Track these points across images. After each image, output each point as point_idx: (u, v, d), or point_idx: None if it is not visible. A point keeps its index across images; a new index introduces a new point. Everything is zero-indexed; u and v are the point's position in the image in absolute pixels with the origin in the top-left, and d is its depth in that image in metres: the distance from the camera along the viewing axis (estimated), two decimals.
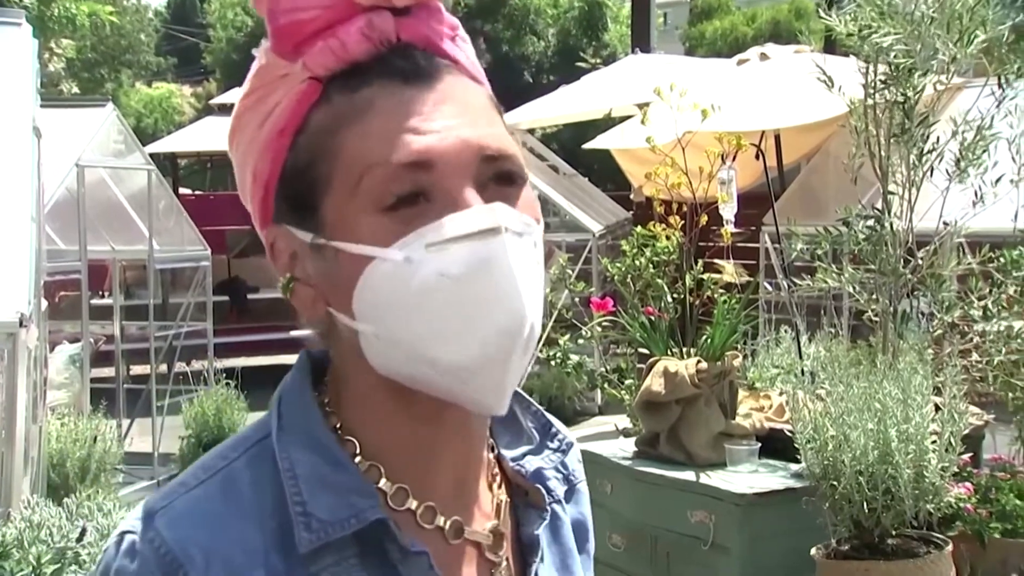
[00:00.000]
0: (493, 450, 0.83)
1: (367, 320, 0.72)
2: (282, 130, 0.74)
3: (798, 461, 2.83)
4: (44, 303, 4.71)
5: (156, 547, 0.71)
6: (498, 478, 0.83)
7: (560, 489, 0.86)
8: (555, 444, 0.86)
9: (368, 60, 0.73)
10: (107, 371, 7.52)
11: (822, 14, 3.38)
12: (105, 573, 0.73)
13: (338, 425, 0.77)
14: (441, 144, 0.70)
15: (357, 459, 0.75)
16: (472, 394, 0.72)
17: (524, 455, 0.84)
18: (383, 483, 0.75)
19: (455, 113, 0.72)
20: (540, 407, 0.88)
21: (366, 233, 0.70)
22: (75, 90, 18.50)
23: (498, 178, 0.73)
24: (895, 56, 3.12)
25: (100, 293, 9.45)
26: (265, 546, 0.72)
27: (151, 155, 8.55)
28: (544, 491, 0.83)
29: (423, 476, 0.77)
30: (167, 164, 12.50)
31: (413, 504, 0.76)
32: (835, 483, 2.62)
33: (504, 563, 0.79)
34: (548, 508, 0.83)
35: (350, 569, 0.73)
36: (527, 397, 0.86)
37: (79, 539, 3.13)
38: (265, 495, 0.73)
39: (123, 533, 0.73)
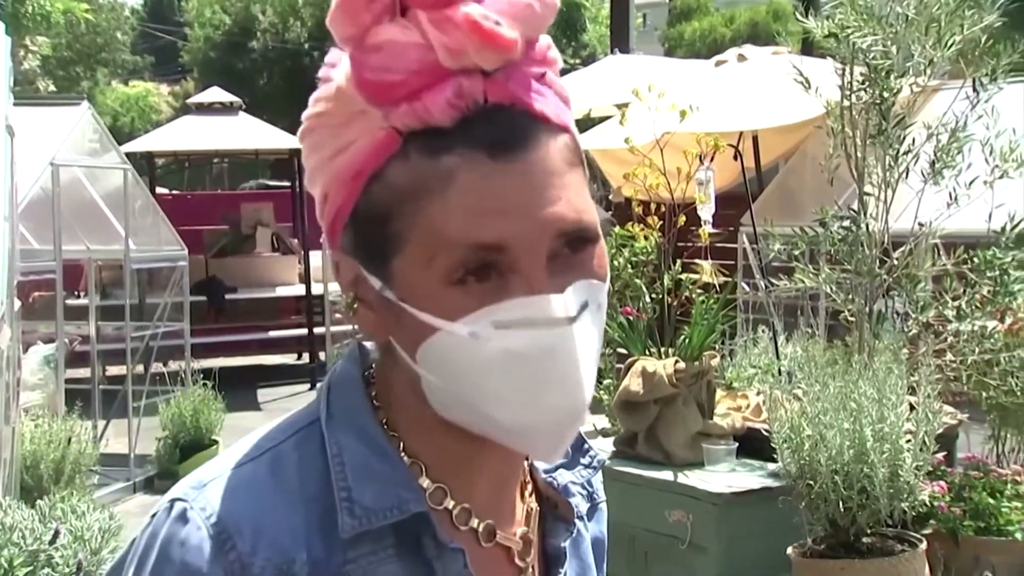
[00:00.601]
0: (527, 459, 0.85)
1: (430, 372, 0.73)
2: (358, 173, 0.73)
3: (775, 460, 2.84)
4: (18, 303, 4.66)
5: (207, 516, 0.72)
6: (529, 487, 0.85)
7: (583, 506, 0.88)
8: (587, 460, 0.88)
9: (452, 124, 0.71)
10: (83, 372, 7.45)
11: (800, 17, 3.40)
12: (154, 536, 0.73)
13: (384, 420, 0.78)
14: (518, 225, 0.70)
15: (403, 455, 0.77)
16: (527, 449, 0.76)
17: (557, 468, 0.86)
18: (423, 480, 0.77)
19: (536, 188, 0.71)
20: None
21: (435, 305, 0.71)
22: (51, 88, 18.33)
23: (572, 244, 0.73)
24: (873, 57, 3.15)
25: (75, 293, 9.37)
26: (308, 529, 0.73)
27: (128, 154, 8.47)
28: (573, 505, 0.85)
29: (463, 480, 0.79)
30: (144, 163, 12.39)
31: (450, 504, 0.78)
32: (811, 482, 2.63)
33: (530, 569, 0.82)
34: (575, 521, 0.85)
35: (387, 559, 0.74)
36: None
37: (52, 541, 3.10)
38: (310, 479, 0.75)
39: (173, 500, 0.74)
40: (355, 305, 0.77)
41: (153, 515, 0.75)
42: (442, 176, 0.71)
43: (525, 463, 0.84)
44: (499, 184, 0.70)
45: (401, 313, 0.73)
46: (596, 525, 0.92)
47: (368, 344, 0.81)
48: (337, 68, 0.74)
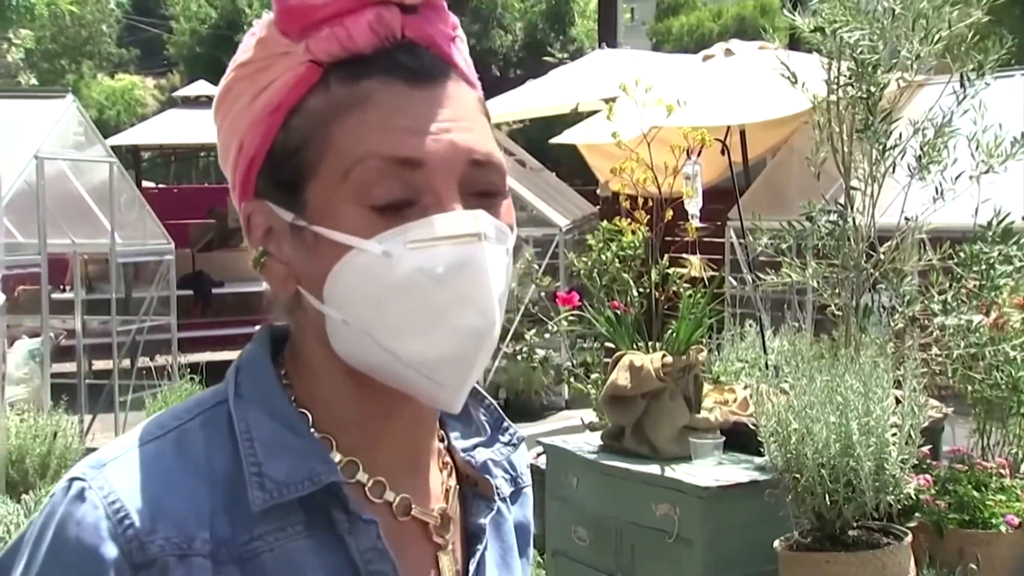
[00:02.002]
0: (443, 440, 0.85)
1: (337, 306, 0.73)
2: (276, 108, 0.75)
3: (761, 454, 2.85)
4: (2, 297, 4.63)
5: (105, 495, 0.71)
6: (449, 466, 0.84)
7: (506, 488, 0.88)
8: (506, 438, 0.88)
9: (371, 53, 0.74)
10: (68, 366, 7.41)
11: (787, 12, 3.40)
12: (50, 516, 0.72)
13: (293, 397, 0.78)
14: (433, 145, 0.72)
15: (311, 431, 0.77)
16: (432, 389, 0.74)
17: (475, 447, 0.86)
18: (334, 455, 0.77)
19: (450, 117, 0.74)
20: (494, 401, 0.89)
21: (348, 223, 0.72)
22: (34, 81, 18.20)
23: (482, 192, 0.75)
24: (859, 52, 3.15)
25: (61, 287, 9.31)
26: (213, 507, 0.72)
27: (113, 147, 8.43)
28: (492, 483, 0.84)
29: (373, 451, 0.78)
30: (130, 157, 12.33)
31: (364, 477, 0.77)
32: (798, 476, 2.65)
33: (450, 547, 0.81)
34: (495, 499, 0.84)
35: (295, 536, 0.74)
36: (481, 391, 0.87)
37: None
38: (217, 457, 0.74)
39: (72, 479, 0.73)
40: (263, 260, 0.77)
41: (52, 495, 0.74)
42: (360, 97, 0.73)
43: (441, 444, 0.84)
44: (416, 106, 0.73)
45: (313, 242, 0.73)
46: (520, 509, 0.91)
47: (276, 326, 0.81)
48: (256, 27, 0.77)
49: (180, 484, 0.72)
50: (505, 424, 0.88)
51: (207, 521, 0.71)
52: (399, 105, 0.73)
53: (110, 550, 0.69)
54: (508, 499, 0.89)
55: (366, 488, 0.77)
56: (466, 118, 0.75)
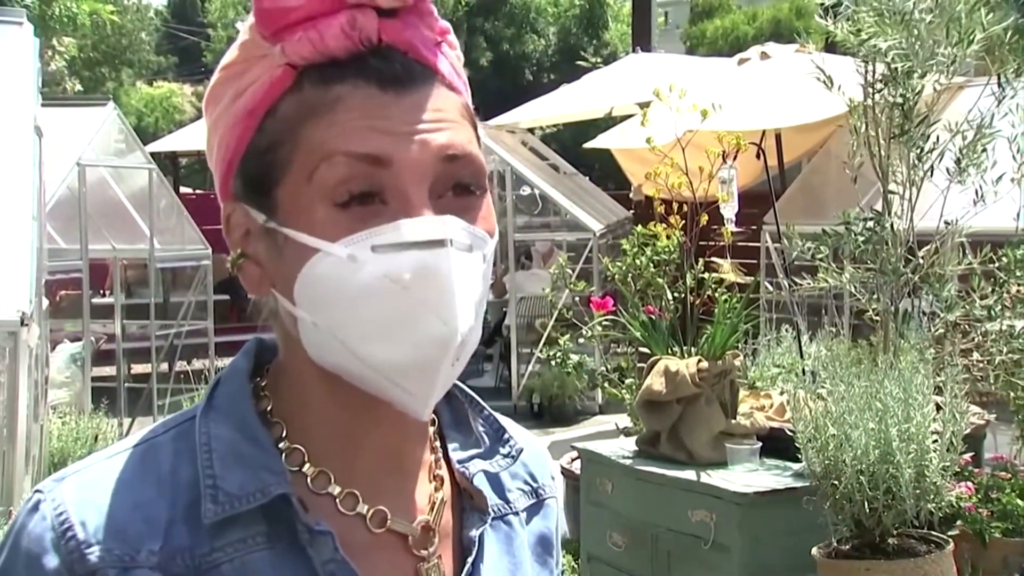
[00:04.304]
0: (436, 452, 0.84)
1: (306, 309, 0.73)
2: (252, 110, 0.75)
3: (799, 460, 2.83)
4: (45, 302, 4.71)
5: (55, 507, 0.73)
6: (443, 479, 0.83)
7: (522, 501, 0.86)
8: (506, 450, 0.86)
9: (346, 57, 0.72)
10: (108, 370, 7.53)
11: (819, 19, 3.38)
12: (11, 527, 0.75)
13: (269, 408, 0.78)
14: (403, 144, 0.71)
15: (283, 443, 0.77)
16: (399, 395, 0.73)
17: (471, 458, 0.84)
18: (306, 467, 0.76)
19: (425, 120, 0.72)
20: (495, 413, 0.88)
21: (316, 225, 0.71)
22: (77, 88, 18.51)
23: (456, 187, 0.73)
24: (892, 59, 3.12)
25: (101, 292, 9.46)
26: (171, 518, 0.72)
27: (152, 154, 8.55)
28: (486, 494, 0.83)
29: (346, 462, 0.77)
30: (168, 163, 12.51)
31: (335, 490, 0.77)
32: (836, 482, 2.62)
33: (435, 561, 0.79)
34: (490, 511, 0.83)
35: (255, 547, 0.73)
36: (481, 402, 0.87)
37: None
38: (182, 469, 0.74)
39: (35, 492, 0.75)
40: (239, 262, 0.77)
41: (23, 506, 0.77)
42: (331, 101, 0.72)
43: (432, 456, 0.83)
44: (389, 109, 0.72)
45: (283, 243, 0.73)
46: (542, 521, 0.89)
47: (267, 339, 0.81)
48: (243, 25, 0.77)
49: (134, 496, 0.73)
50: (506, 435, 0.86)
51: (160, 532, 0.72)
52: (370, 108, 0.71)
53: (51, 560, 0.71)
54: (525, 512, 0.87)
55: (337, 500, 0.76)
56: (444, 120, 0.73)
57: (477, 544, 0.81)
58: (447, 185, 0.73)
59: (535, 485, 0.88)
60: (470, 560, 0.80)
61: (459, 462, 0.83)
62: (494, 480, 0.84)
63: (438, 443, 0.84)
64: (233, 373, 0.79)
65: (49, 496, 0.73)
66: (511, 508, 0.85)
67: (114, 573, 0.70)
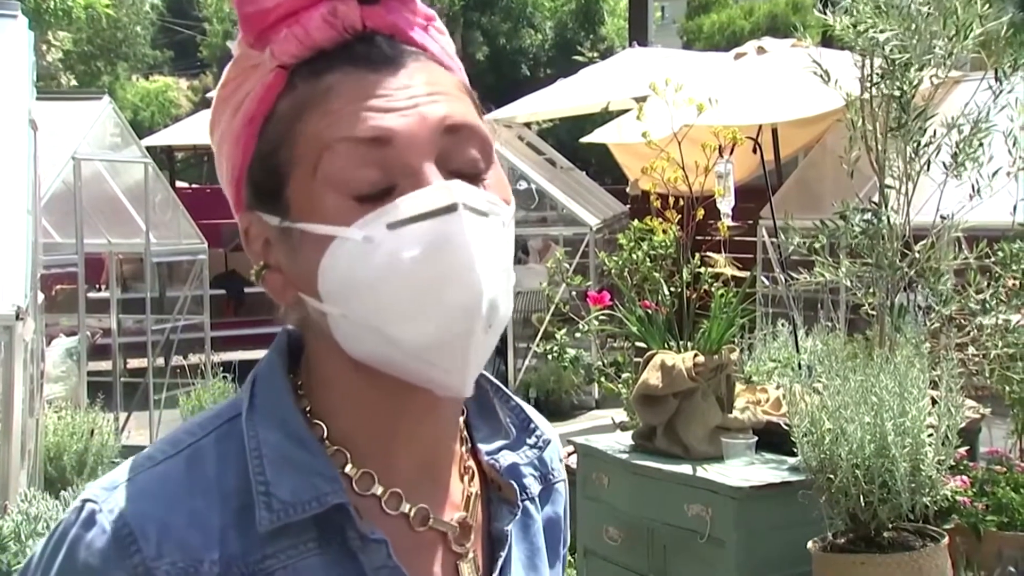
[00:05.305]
0: (466, 443, 0.83)
1: (333, 302, 0.72)
2: (251, 119, 0.75)
3: (795, 454, 2.83)
4: (41, 296, 4.70)
5: (114, 519, 0.71)
6: (472, 471, 0.83)
7: (535, 487, 0.86)
8: (533, 440, 0.86)
9: (332, 48, 0.73)
10: (104, 364, 7.52)
11: (818, 11, 3.37)
12: (62, 537, 0.72)
13: (308, 408, 0.77)
14: (401, 119, 0.70)
15: (324, 443, 0.76)
16: (437, 375, 0.72)
17: (500, 449, 0.84)
18: (349, 468, 0.76)
19: (419, 92, 0.72)
20: (521, 402, 0.87)
21: (328, 213, 0.71)
22: (72, 82, 18.46)
23: (462, 169, 0.72)
24: (891, 51, 3.12)
25: (97, 286, 9.44)
26: (224, 525, 0.71)
27: (148, 148, 8.53)
28: (517, 487, 0.82)
29: (388, 461, 0.77)
30: (164, 157, 12.49)
31: (379, 490, 0.76)
32: (831, 476, 2.62)
33: (471, 555, 0.79)
34: (519, 504, 0.82)
35: (307, 553, 0.73)
36: (507, 391, 0.86)
37: None
38: (229, 474, 0.73)
39: (84, 501, 0.73)
40: (262, 273, 0.76)
41: (66, 514, 0.74)
42: (323, 91, 0.72)
43: (463, 447, 0.82)
44: (381, 87, 0.71)
45: (299, 241, 0.72)
46: (551, 507, 0.89)
47: (294, 333, 0.80)
48: (233, 45, 0.77)
49: (189, 505, 0.72)
50: (532, 425, 0.86)
51: (216, 541, 0.71)
52: (362, 90, 0.71)
53: (116, 575, 0.70)
54: (537, 498, 0.87)
55: (382, 501, 0.76)
56: (439, 92, 0.72)
57: (508, 538, 0.81)
58: (452, 163, 0.72)
59: (544, 471, 0.88)
60: (503, 554, 0.80)
61: (488, 453, 0.83)
62: (510, 471, 0.84)
63: (466, 433, 0.84)
64: (270, 371, 0.78)
65: (105, 507, 0.72)
66: (528, 494, 0.85)
67: None
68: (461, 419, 0.83)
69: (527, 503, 0.84)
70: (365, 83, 0.71)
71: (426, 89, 0.72)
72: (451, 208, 0.69)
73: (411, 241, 0.69)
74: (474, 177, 0.73)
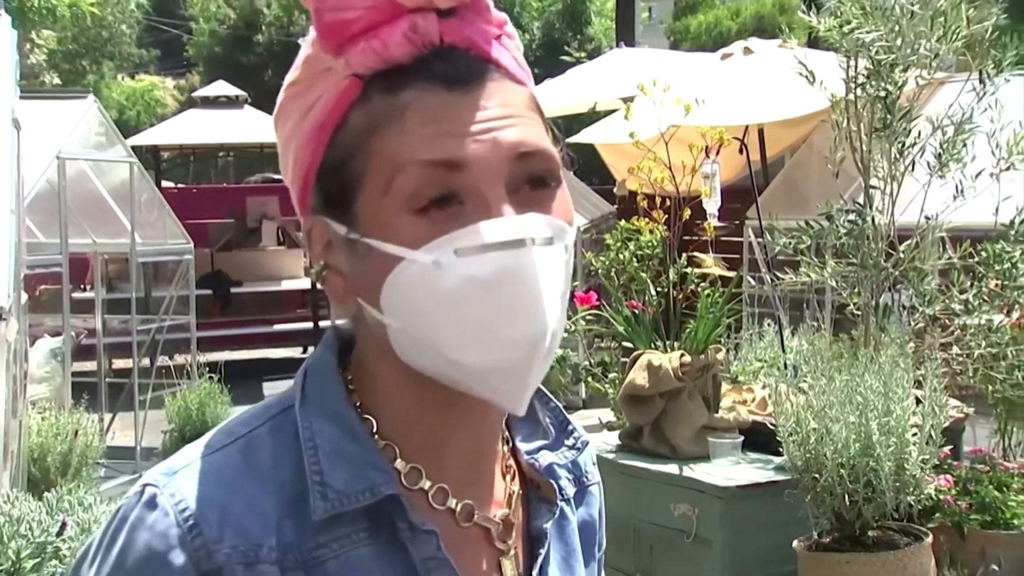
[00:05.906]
0: (508, 443, 0.85)
1: (395, 316, 0.73)
2: (322, 125, 0.75)
3: (780, 454, 2.84)
4: (24, 296, 4.67)
5: (176, 503, 0.72)
6: (512, 470, 0.84)
7: (570, 489, 0.88)
8: (571, 441, 0.87)
9: (409, 62, 0.73)
10: (89, 365, 7.47)
11: (803, 13, 3.39)
12: (123, 520, 0.73)
13: (358, 403, 0.79)
14: (474, 145, 0.71)
15: (375, 437, 0.77)
16: (493, 395, 0.74)
17: (539, 449, 0.85)
18: (398, 462, 0.77)
19: (493, 116, 0.73)
20: (559, 404, 0.89)
21: (397, 233, 0.72)
22: (56, 81, 18.34)
23: (532, 181, 0.74)
24: (876, 52, 3.14)
25: (81, 286, 9.38)
26: (279, 514, 0.73)
27: (133, 148, 8.49)
28: (556, 487, 0.84)
29: (436, 458, 0.78)
30: (149, 157, 12.41)
31: (426, 484, 0.78)
32: (817, 476, 2.63)
33: (512, 551, 0.81)
34: (558, 503, 0.84)
35: (359, 543, 0.74)
36: (547, 393, 0.87)
37: (59, 533, 3.11)
38: (284, 463, 0.75)
39: (145, 485, 0.75)
40: (323, 273, 0.77)
41: (125, 499, 0.76)
42: (399, 108, 0.72)
43: (505, 447, 0.84)
44: (456, 110, 0.72)
45: (366, 254, 0.73)
46: (585, 508, 0.91)
47: (343, 329, 0.81)
48: (305, 41, 0.77)
49: (247, 491, 0.73)
50: (571, 427, 0.88)
51: (273, 528, 0.72)
52: (438, 111, 0.72)
53: (178, 557, 0.71)
54: (572, 499, 0.88)
55: (429, 495, 0.78)
56: (512, 115, 0.73)
57: (548, 536, 0.83)
58: (522, 180, 0.73)
59: (578, 473, 0.90)
60: (542, 552, 0.82)
61: (527, 453, 0.84)
62: (548, 471, 0.85)
63: (506, 433, 0.85)
64: (321, 366, 0.79)
65: (166, 491, 0.73)
66: (564, 495, 0.86)
67: (240, 569, 0.71)
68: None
69: (563, 504, 0.86)
70: (441, 103, 0.72)
71: (500, 112, 0.73)
72: (523, 242, 0.70)
73: (480, 270, 0.70)
74: (544, 199, 0.74)
